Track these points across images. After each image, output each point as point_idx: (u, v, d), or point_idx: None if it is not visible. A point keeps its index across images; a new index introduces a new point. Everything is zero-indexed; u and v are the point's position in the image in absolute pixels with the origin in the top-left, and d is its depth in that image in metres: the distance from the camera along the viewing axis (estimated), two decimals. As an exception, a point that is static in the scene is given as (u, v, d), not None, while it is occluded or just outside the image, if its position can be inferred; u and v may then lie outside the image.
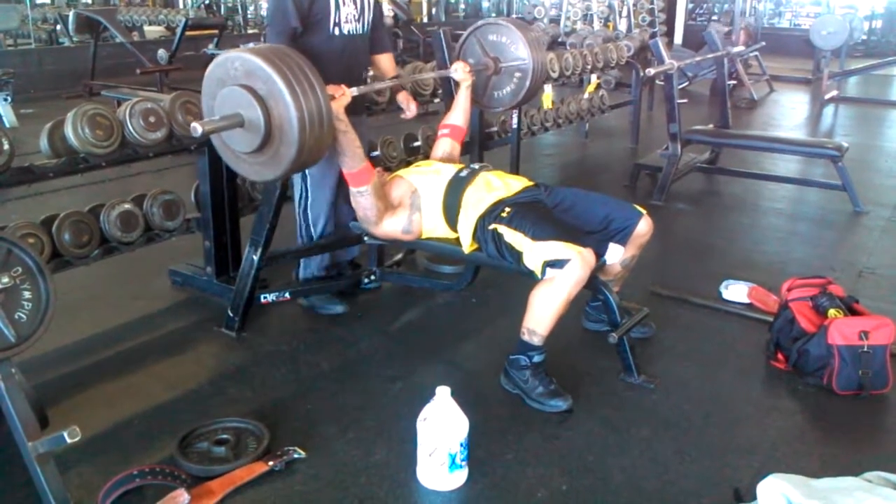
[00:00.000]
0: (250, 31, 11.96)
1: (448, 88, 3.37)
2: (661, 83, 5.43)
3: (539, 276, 2.38)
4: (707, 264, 3.70)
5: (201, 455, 2.13)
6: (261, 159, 2.24)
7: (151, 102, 2.77)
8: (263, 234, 2.80)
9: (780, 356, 2.69)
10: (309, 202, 2.97)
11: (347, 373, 2.65)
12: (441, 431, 1.99)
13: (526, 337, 2.40)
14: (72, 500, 1.85)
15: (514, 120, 4.15)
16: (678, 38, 10.45)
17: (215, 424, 2.26)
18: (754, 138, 5.56)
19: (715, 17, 13.36)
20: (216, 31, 9.10)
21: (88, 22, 8.46)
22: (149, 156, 2.83)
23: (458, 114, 3.04)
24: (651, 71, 4.67)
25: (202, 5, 12.32)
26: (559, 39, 7.66)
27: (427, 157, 3.29)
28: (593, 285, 2.50)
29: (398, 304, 3.22)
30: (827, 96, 8.28)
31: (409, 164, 3.40)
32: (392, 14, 9.93)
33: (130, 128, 2.66)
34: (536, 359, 2.41)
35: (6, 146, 2.39)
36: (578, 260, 2.31)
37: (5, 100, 6.66)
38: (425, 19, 13.76)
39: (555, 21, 9.38)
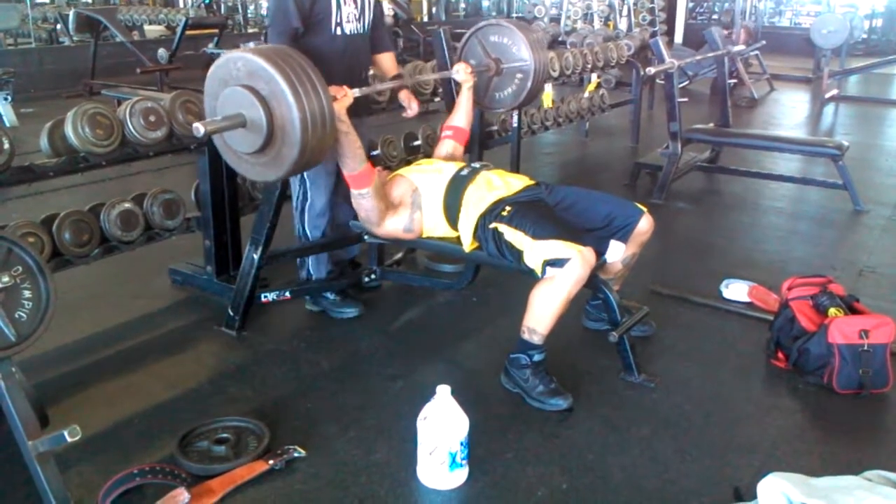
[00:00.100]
0: (250, 31, 11.96)
1: (448, 88, 3.37)
2: (662, 82, 5.43)
3: (539, 274, 2.38)
4: (707, 263, 3.70)
5: (201, 454, 2.14)
6: (263, 160, 2.24)
7: (151, 102, 2.77)
8: (264, 233, 2.80)
9: (780, 355, 2.69)
10: (307, 204, 2.97)
11: (348, 372, 2.65)
12: (441, 430, 1.99)
13: (526, 336, 2.40)
14: (72, 499, 1.85)
15: (515, 119, 4.14)
16: (678, 37, 10.44)
17: (215, 423, 2.26)
18: (755, 137, 5.56)
19: (715, 17, 13.35)
20: (216, 31, 9.10)
21: (89, 21, 8.46)
22: (149, 155, 2.83)
23: (461, 116, 3.04)
24: (651, 70, 4.67)
25: (202, 4, 12.30)
26: (559, 38, 7.65)
27: (428, 156, 3.29)
28: (593, 284, 2.50)
29: (399, 303, 3.22)
30: (827, 95, 8.27)
31: (409, 163, 3.40)
32: (392, 13, 9.92)
33: (130, 127, 2.66)
34: (537, 358, 2.41)
35: (6, 145, 2.40)
36: (578, 259, 2.31)
37: (5, 99, 6.66)
38: (425, 18, 13.75)
39: (555, 20, 9.37)
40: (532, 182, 2.72)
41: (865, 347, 2.48)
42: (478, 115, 3.79)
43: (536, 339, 2.39)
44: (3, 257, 1.77)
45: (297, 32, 2.72)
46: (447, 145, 2.98)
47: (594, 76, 6.93)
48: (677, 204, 4.70)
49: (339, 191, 2.90)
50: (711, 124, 5.35)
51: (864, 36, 12.78)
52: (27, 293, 1.80)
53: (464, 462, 2.04)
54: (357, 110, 2.92)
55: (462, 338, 2.95)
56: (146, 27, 10.65)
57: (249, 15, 13.02)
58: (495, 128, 4.40)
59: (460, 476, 2.04)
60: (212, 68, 2.25)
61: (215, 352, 2.81)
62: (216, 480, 2.02)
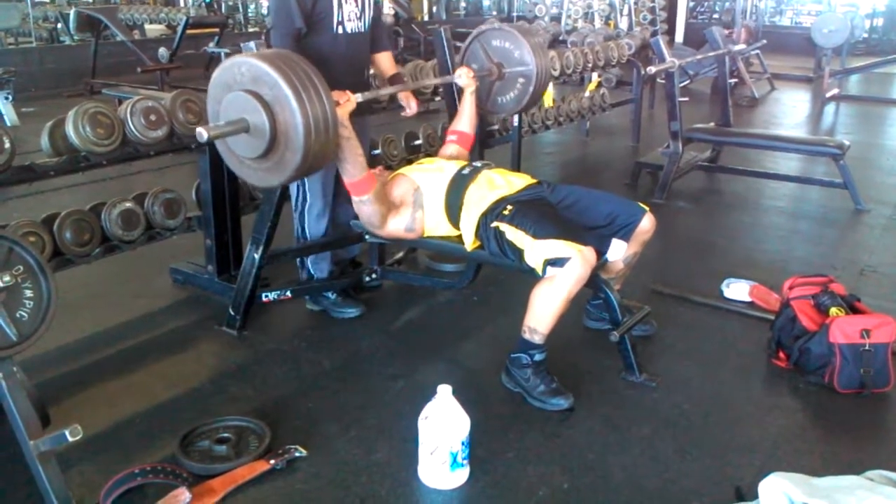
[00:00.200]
0: (251, 30, 11.97)
1: (450, 92, 3.37)
2: (663, 81, 5.42)
3: (540, 274, 2.38)
4: (708, 262, 3.70)
5: (203, 453, 2.14)
6: (265, 165, 2.24)
7: (152, 101, 2.77)
8: (265, 233, 2.80)
9: (781, 354, 2.69)
10: (306, 205, 2.97)
11: (349, 371, 2.65)
12: (442, 430, 1.99)
13: (527, 335, 2.40)
14: (73, 498, 1.85)
15: (515, 118, 4.14)
16: (679, 37, 10.44)
17: (217, 423, 2.26)
18: (755, 136, 5.56)
19: (716, 16, 13.35)
20: (217, 30, 9.12)
21: (89, 20, 8.47)
22: (150, 154, 2.83)
23: (465, 121, 3.04)
24: (652, 69, 4.66)
25: (203, 4, 12.30)
26: (560, 38, 7.65)
27: (429, 155, 3.29)
28: (594, 283, 2.50)
29: (399, 303, 3.22)
30: (828, 94, 8.27)
31: (410, 162, 3.40)
32: (393, 12, 9.92)
33: (131, 126, 2.66)
34: (537, 357, 2.41)
35: (7, 145, 2.39)
36: (579, 258, 2.31)
37: (6, 98, 6.67)
38: (426, 17, 13.74)
39: (556, 19, 9.37)
40: (534, 181, 2.72)
41: (867, 347, 2.48)
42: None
43: (537, 339, 2.39)
44: (5, 257, 1.77)
45: (300, 33, 2.72)
46: (451, 149, 2.99)
47: (595, 75, 6.93)
48: (678, 203, 4.70)
49: (340, 191, 2.89)
50: (712, 123, 5.34)
51: (865, 35, 12.78)
52: (28, 292, 1.80)
53: (465, 462, 2.04)
54: (358, 109, 2.92)
55: (463, 337, 2.95)
56: (147, 26, 10.66)
57: (250, 14, 13.02)
58: (496, 127, 4.40)
59: (461, 476, 2.04)
60: (215, 72, 2.26)
61: (216, 351, 2.81)
62: (217, 480, 2.02)
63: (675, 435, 2.29)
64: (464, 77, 3.03)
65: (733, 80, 7.63)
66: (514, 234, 2.45)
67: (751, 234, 4.22)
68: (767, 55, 9.52)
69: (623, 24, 8.89)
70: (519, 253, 2.44)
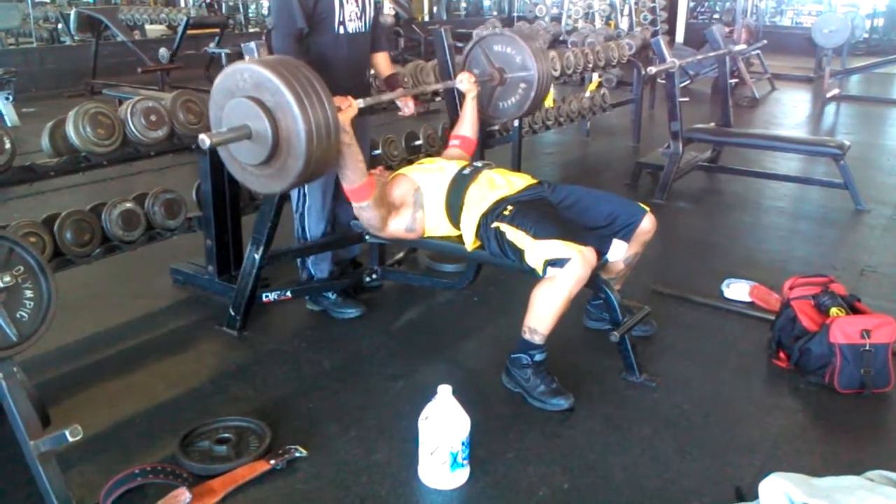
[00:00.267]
0: (251, 30, 11.97)
1: (450, 95, 3.37)
2: (663, 81, 5.42)
3: (540, 274, 2.38)
4: (708, 263, 3.70)
5: (203, 454, 2.14)
6: (267, 172, 2.24)
7: (153, 101, 2.77)
8: (265, 233, 2.80)
9: (781, 355, 2.69)
10: (306, 206, 2.97)
11: (349, 371, 2.65)
12: (443, 430, 1.99)
13: (527, 335, 2.40)
14: (74, 498, 1.85)
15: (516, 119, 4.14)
16: (680, 37, 10.44)
17: (217, 423, 2.26)
18: (756, 137, 5.55)
19: (716, 16, 13.34)
20: (218, 30, 9.11)
21: (90, 21, 8.47)
22: (150, 154, 2.83)
23: (468, 126, 3.05)
24: (653, 69, 4.66)
25: (203, 4, 12.31)
26: (560, 38, 7.65)
27: (429, 155, 3.29)
28: (595, 283, 2.50)
29: (400, 303, 3.22)
30: (829, 94, 8.27)
31: (410, 162, 3.40)
32: (393, 13, 9.94)
33: (132, 126, 2.67)
34: (538, 357, 2.41)
35: (8, 145, 2.40)
36: (579, 259, 2.31)
37: (7, 99, 6.67)
38: (426, 18, 13.75)
39: (556, 19, 9.37)
40: (534, 181, 2.72)
41: (867, 347, 2.48)
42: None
43: (537, 339, 2.39)
44: (5, 257, 1.77)
45: (302, 33, 2.72)
46: (454, 153, 2.99)
47: (595, 75, 6.93)
48: (678, 203, 4.70)
49: (340, 192, 2.89)
50: (713, 124, 5.34)
51: (866, 35, 12.78)
52: (28, 293, 1.80)
53: (465, 462, 2.04)
54: (361, 110, 2.92)
55: (463, 337, 2.95)
56: (147, 27, 10.66)
57: (250, 14, 13.02)
58: (496, 127, 4.39)
59: (461, 476, 2.04)
60: (218, 78, 2.26)
61: (216, 351, 2.81)
62: (217, 480, 2.02)
63: (675, 435, 2.29)
64: (465, 82, 3.03)
65: (734, 81, 7.63)
66: (514, 235, 2.45)
67: (751, 234, 4.22)
68: (768, 55, 9.52)
69: (623, 24, 8.89)
70: (519, 253, 2.44)
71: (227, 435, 2.20)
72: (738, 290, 3.24)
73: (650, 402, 2.47)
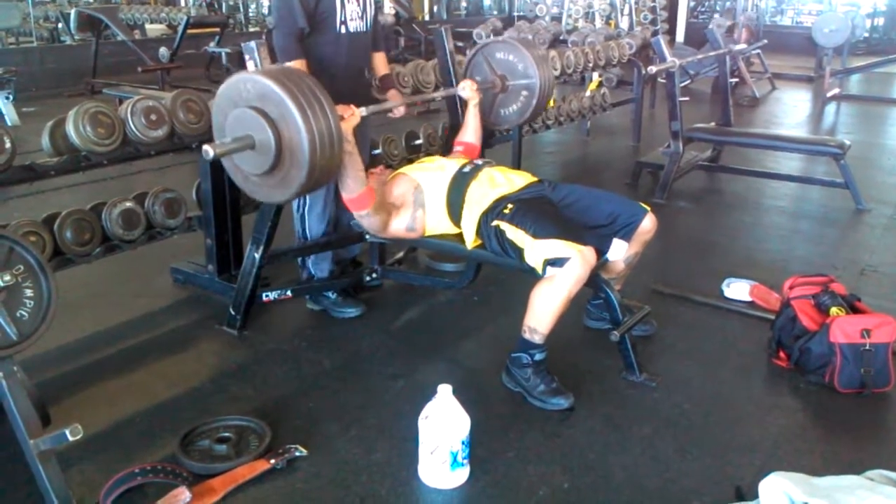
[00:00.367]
0: (252, 30, 11.97)
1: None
2: (663, 81, 5.42)
3: (540, 273, 2.38)
4: (709, 262, 3.70)
5: (203, 453, 2.14)
6: (271, 181, 2.25)
7: (153, 100, 2.77)
8: (265, 232, 2.80)
9: (781, 354, 2.69)
10: (308, 206, 2.97)
11: (349, 371, 2.65)
12: (443, 429, 1.99)
13: (527, 335, 2.40)
14: (74, 497, 1.85)
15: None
16: (680, 36, 10.43)
17: (217, 422, 2.26)
18: (756, 136, 5.55)
19: (717, 15, 13.33)
20: (218, 30, 9.12)
21: (90, 20, 8.47)
22: (150, 154, 2.83)
23: (471, 133, 3.06)
24: (653, 69, 4.66)
25: (203, 3, 12.31)
26: (561, 37, 7.64)
27: (430, 155, 3.29)
28: (595, 283, 2.50)
29: (400, 303, 3.22)
30: (829, 94, 8.26)
31: (410, 161, 3.40)
32: (394, 12, 9.93)
33: (132, 126, 2.66)
34: (538, 357, 2.41)
35: (8, 144, 2.39)
36: (578, 258, 2.31)
37: (7, 98, 6.67)
38: (427, 17, 13.74)
39: (556, 19, 9.36)
40: (535, 179, 2.72)
41: (867, 347, 2.48)
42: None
43: (537, 339, 2.39)
44: (5, 256, 1.77)
45: (303, 32, 2.73)
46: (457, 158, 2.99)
47: (595, 75, 6.92)
48: (679, 203, 4.70)
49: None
50: (713, 123, 5.34)
51: (866, 35, 12.77)
52: (29, 292, 1.80)
53: (465, 461, 2.04)
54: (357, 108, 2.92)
55: (463, 337, 2.95)
56: (147, 26, 10.67)
57: (251, 14, 13.02)
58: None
59: (461, 475, 2.04)
60: (221, 87, 2.27)
61: (217, 351, 2.81)
62: (218, 479, 2.02)
63: (675, 434, 2.29)
64: (467, 90, 3.04)
65: (734, 80, 7.63)
66: (514, 234, 2.45)
67: (751, 233, 4.22)
68: (768, 55, 9.52)
69: (624, 23, 8.89)
70: (519, 252, 2.44)
71: (227, 434, 2.20)
72: (738, 289, 3.24)
73: (650, 401, 2.47)
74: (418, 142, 3.95)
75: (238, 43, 6.32)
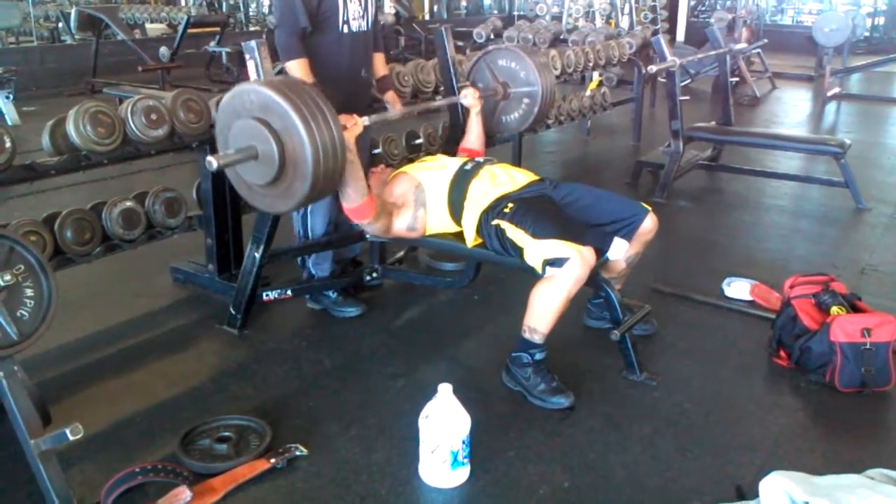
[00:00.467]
0: (252, 29, 11.96)
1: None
2: (664, 80, 5.42)
3: (540, 273, 2.38)
4: (709, 261, 3.70)
5: (203, 452, 2.14)
6: (274, 192, 2.26)
7: (153, 100, 2.77)
8: (265, 232, 2.80)
9: (782, 353, 2.69)
10: (310, 208, 2.96)
11: (349, 370, 2.65)
12: (443, 429, 1.99)
13: (527, 335, 2.40)
14: (74, 497, 1.85)
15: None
16: (680, 35, 10.42)
17: (217, 422, 2.26)
18: (757, 135, 5.55)
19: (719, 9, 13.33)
20: (218, 29, 9.12)
21: (90, 19, 8.47)
22: (150, 153, 2.83)
23: (474, 139, 3.07)
24: (653, 68, 4.66)
25: (204, 3, 12.31)
26: (561, 36, 7.64)
27: (430, 154, 3.29)
28: (595, 282, 2.50)
29: (400, 302, 3.22)
30: (829, 93, 8.26)
31: (411, 161, 3.40)
32: (394, 11, 9.93)
33: (132, 125, 2.66)
34: (538, 356, 2.41)
35: (8, 144, 2.39)
36: (578, 259, 2.31)
37: (7, 97, 6.67)
38: (427, 16, 13.74)
39: (557, 18, 9.37)
40: (537, 177, 2.72)
41: (867, 346, 2.48)
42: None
43: (537, 338, 2.39)
44: (5, 256, 1.77)
45: (305, 32, 2.73)
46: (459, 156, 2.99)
47: (596, 74, 6.92)
48: (679, 202, 4.70)
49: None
50: (713, 122, 5.33)
51: (867, 34, 12.76)
52: (29, 291, 1.80)
53: (465, 460, 2.04)
54: (357, 110, 2.92)
55: (463, 336, 2.95)
56: (148, 25, 10.67)
57: (251, 13, 13.02)
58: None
59: (462, 474, 2.04)
60: (224, 98, 2.28)
61: (217, 350, 2.81)
62: (218, 479, 2.02)
63: (675, 434, 2.29)
64: (469, 97, 3.04)
65: (734, 79, 7.63)
66: (514, 233, 2.45)
67: (752, 232, 4.22)
68: (768, 54, 9.52)
69: (624, 22, 8.89)
70: (519, 251, 2.44)
71: (227, 433, 2.20)
72: (738, 288, 3.24)
73: (650, 400, 2.47)
74: (418, 141, 3.95)
75: (238, 42, 6.32)
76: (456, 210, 2.62)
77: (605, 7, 9.07)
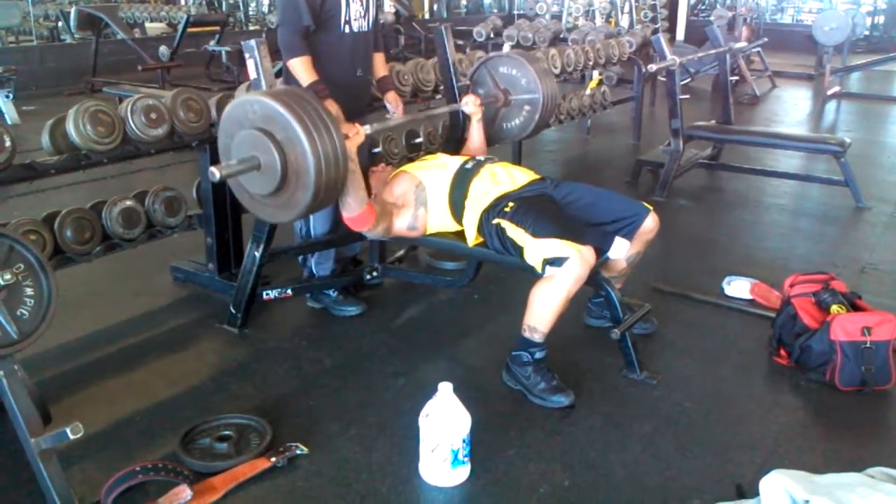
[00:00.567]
0: (252, 28, 11.96)
1: (451, 94, 3.37)
2: (663, 79, 5.42)
3: (539, 272, 2.38)
4: (709, 260, 3.70)
5: (203, 451, 2.14)
6: (276, 202, 2.26)
7: (153, 99, 2.77)
8: (265, 231, 2.80)
9: (782, 352, 2.69)
10: None
11: (350, 369, 2.65)
12: (443, 427, 1.99)
13: (527, 334, 2.40)
14: (75, 496, 1.85)
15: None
16: (680, 34, 10.42)
17: (217, 421, 2.26)
18: (756, 134, 5.55)
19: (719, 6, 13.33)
20: (218, 28, 9.11)
21: (90, 19, 8.47)
22: (150, 152, 2.83)
23: (476, 145, 3.07)
24: (653, 67, 4.66)
25: (203, 2, 12.30)
26: (561, 35, 7.64)
27: (430, 153, 3.29)
28: (595, 281, 2.50)
29: (400, 301, 3.22)
30: (829, 92, 8.26)
31: (411, 160, 3.40)
32: (394, 10, 9.92)
33: (132, 124, 2.66)
34: (538, 355, 2.41)
35: (8, 143, 2.39)
36: (577, 258, 2.31)
37: (7, 97, 6.66)
38: (427, 15, 13.73)
39: (557, 17, 9.37)
40: (537, 176, 2.72)
41: (868, 344, 2.48)
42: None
43: (537, 337, 2.39)
44: (5, 255, 1.77)
45: (308, 30, 2.73)
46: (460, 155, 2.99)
47: (596, 73, 6.92)
48: (679, 201, 4.70)
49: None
50: (713, 121, 5.33)
51: (867, 33, 12.76)
52: (29, 290, 1.80)
53: (466, 459, 2.04)
54: (357, 109, 2.92)
55: (464, 335, 2.95)
56: (147, 24, 10.67)
57: (251, 12, 13.01)
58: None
59: (462, 473, 2.04)
60: (227, 107, 2.28)
61: (217, 349, 2.81)
62: (218, 478, 2.02)
63: (676, 432, 2.29)
64: (470, 105, 3.04)
65: (734, 78, 7.63)
66: (514, 232, 2.45)
67: (752, 231, 4.22)
68: (768, 53, 9.51)
69: (624, 21, 8.88)
70: (520, 250, 2.44)
71: (227, 432, 2.20)
72: (738, 287, 3.24)
73: (651, 399, 2.47)
74: (418, 140, 3.94)
75: (238, 41, 6.32)
76: (457, 209, 2.62)
77: (605, 6, 9.06)
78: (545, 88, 3.16)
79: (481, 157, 2.76)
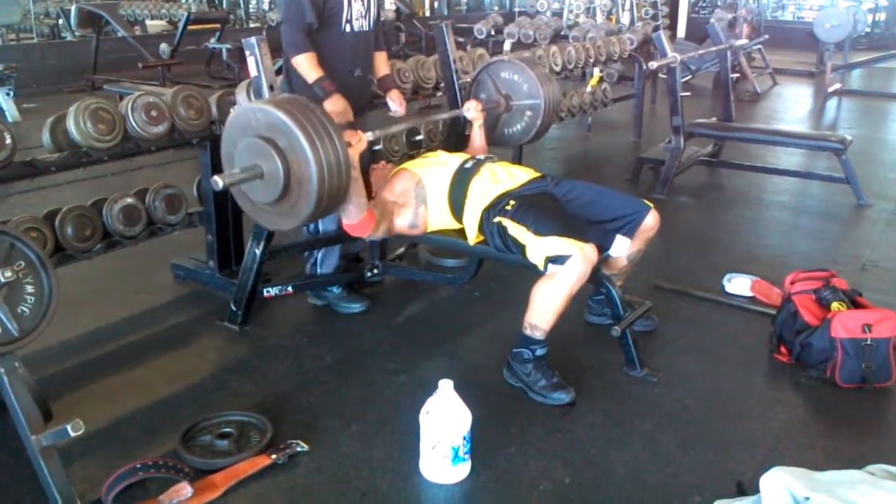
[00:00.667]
0: (252, 25, 11.95)
1: (452, 92, 3.37)
2: (664, 76, 5.42)
3: (541, 270, 2.38)
4: (710, 258, 3.70)
5: (204, 448, 2.14)
6: (279, 210, 2.27)
7: (153, 97, 2.77)
8: (266, 229, 2.80)
9: (782, 349, 2.69)
10: None
11: (350, 366, 2.65)
12: (444, 424, 1.99)
13: (528, 331, 2.40)
14: (76, 493, 1.85)
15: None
16: (681, 31, 10.43)
17: (218, 418, 2.26)
18: (757, 131, 5.55)
19: (719, 6, 13.31)
20: (218, 25, 9.12)
21: (90, 16, 8.47)
22: (151, 150, 2.83)
23: (477, 151, 3.05)
24: (654, 64, 4.65)
25: (204, -1, 12.32)
26: (562, 32, 7.64)
27: (430, 150, 3.29)
28: (596, 279, 2.50)
29: (401, 298, 3.22)
30: (830, 89, 8.25)
31: (411, 157, 3.40)
32: (395, 8, 9.91)
33: (132, 122, 2.67)
34: (539, 352, 2.41)
35: (9, 140, 2.39)
36: (579, 256, 2.31)
37: (8, 94, 6.67)
38: (427, 13, 13.72)
39: (557, 14, 9.36)
40: (538, 174, 2.72)
41: (868, 342, 2.48)
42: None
43: (538, 335, 2.39)
44: (6, 252, 1.77)
45: (311, 28, 2.74)
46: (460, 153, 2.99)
47: (596, 70, 6.91)
48: (680, 198, 4.69)
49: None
50: (714, 119, 5.34)
51: (868, 30, 12.75)
52: (30, 288, 1.80)
53: (466, 456, 2.04)
54: (358, 108, 2.92)
55: (464, 332, 2.95)
56: (148, 22, 10.67)
57: (251, 9, 13.00)
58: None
59: (463, 470, 2.04)
60: (231, 115, 2.29)
61: (218, 346, 2.81)
62: (219, 475, 2.02)
63: (676, 429, 2.29)
64: (472, 110, 3.04)
65: (735, 75, 7.62)
66: (515, 230, 2.45)
67: (752, 229, 4.22)
68: (769, 50, 9.51)
69: (625, 18, 8.86)
70: (521, 248, 2.44)
71: (228, 430, 2.20)
72: (739, 284, 3.24)
73: (651, 396, 2.47)
74: (419, 137, 3.94)
75: (239, 39, 6.31)
76: (457, 208, 2.62)
77: (605, 3, 9.05)
78: (547, 94, 3.15)
79: (481, 157, 2.76)
